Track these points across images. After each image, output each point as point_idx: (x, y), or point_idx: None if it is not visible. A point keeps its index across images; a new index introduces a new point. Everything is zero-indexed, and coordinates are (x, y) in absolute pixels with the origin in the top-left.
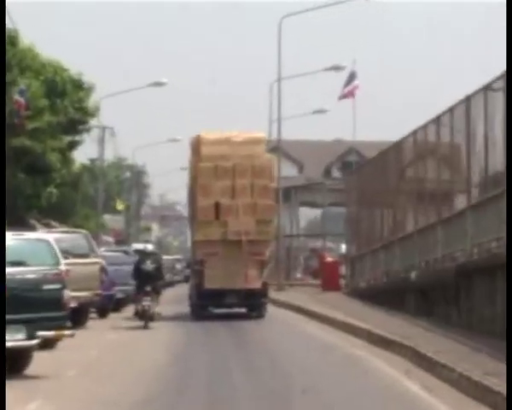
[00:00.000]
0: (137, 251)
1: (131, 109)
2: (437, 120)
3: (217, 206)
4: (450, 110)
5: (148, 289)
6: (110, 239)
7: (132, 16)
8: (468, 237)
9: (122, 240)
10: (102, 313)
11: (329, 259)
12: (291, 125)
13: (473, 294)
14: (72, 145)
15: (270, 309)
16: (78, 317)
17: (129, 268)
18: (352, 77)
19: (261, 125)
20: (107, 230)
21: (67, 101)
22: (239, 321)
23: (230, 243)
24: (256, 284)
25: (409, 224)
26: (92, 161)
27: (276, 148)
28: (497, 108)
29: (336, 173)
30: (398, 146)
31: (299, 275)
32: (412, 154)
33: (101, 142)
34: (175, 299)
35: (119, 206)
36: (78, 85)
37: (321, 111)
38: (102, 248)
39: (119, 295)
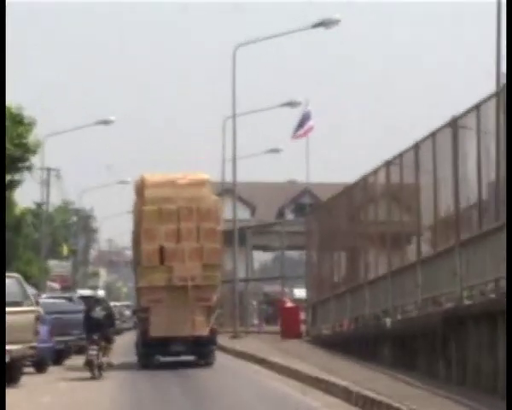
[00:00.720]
0: (85, 298)
1: (77, 148)
2: (388, 163)
3: (161, 250)
4: (400, 155)
5: (96, 337)
6: (56, 286)
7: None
8: (458, 278)
9: (68, 286)
10: (40, 368)
11: (289, 304)
12: (243, 166)
13: (465, 344)
14: (12, 185)
15: (226, 360)
16: (9, 373)
17: (72, 316)
18: (306, 117)
19: (214, 164)
20: (52, 276)
21: (6, 137)
22: (190, 370)
23: (176, 289)
24: (203, 331)
25: (380, 265)
26: (38, 205)
27: (228, 190)
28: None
29: (289, 216)
30: (362, 184)
31: (255, 321)
32: (372, 195)
33: (47, 184)
34: (124, 347)
35: (65, 251)
36: (18, 121)
37: (275, 150)
38: (44, 295)
39: (60, 347)
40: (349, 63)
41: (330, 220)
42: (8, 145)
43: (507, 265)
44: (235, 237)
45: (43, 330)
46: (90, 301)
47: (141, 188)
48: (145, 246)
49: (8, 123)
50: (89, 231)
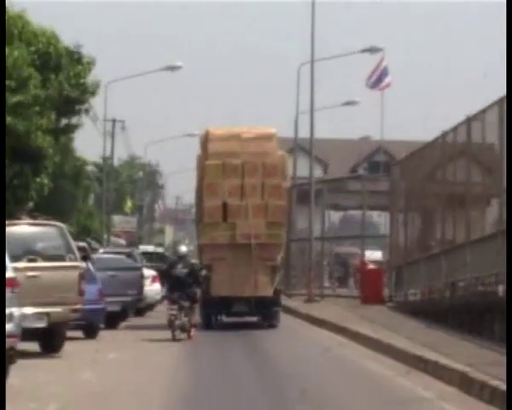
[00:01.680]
0: (163, 256)
1: (140, 98)
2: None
3: (224, 207)
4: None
5: (176, 296)
6: (122, 241)
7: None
8: None
9: (134, 242)
10: (90, 333)
11: (371, 266)
12: (316, 120)
13: None
14: (69, 129)
15: (303, 327)
16: (49, 340)
17: (129, 274)
18: (384, 72)
19: (287, 118)
20: (117, 231)
21: (62, 76)
22: (259, 340)
23: (239, 247)
24: (267, 292)
25: (486, 223)
26: (104, 159)
27: (301, 146)
28: None
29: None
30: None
31: (326, 284)
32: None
33: (111, 136)
34: None
35: (128, 206)
36: (76, 59)
37: (351, 103)
38: (101, 250)
39: (113, 308)
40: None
41: (417, 179)
42: (64, 84)
43: None
44: (312, 195)
45: (93, 289)
46: (173, 258)
47: (204, 142)
48: (207, 202)
49: (64, 61)
50: (155, 186)
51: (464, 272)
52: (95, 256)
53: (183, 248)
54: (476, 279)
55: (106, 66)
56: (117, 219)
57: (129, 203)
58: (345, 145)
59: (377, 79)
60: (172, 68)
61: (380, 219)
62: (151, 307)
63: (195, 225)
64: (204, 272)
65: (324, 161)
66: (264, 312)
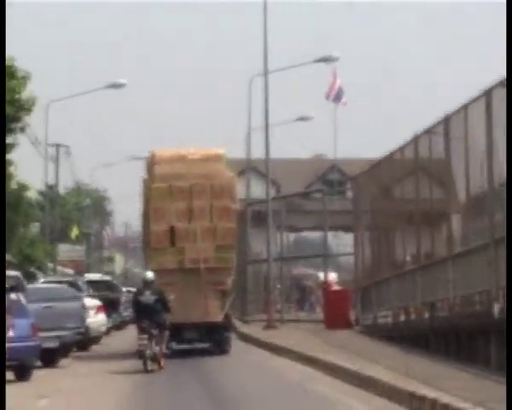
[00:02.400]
0: (111, 284)
1: (84, 119)
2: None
3: (172, 231)
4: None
5: (145, 324)
6: (69, 270)
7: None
8: None
9: (83, 271)
10: (22, 374)
11: (336, 287)
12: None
13: None
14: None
15: (266, 360)
16: None
17: (71, 305)
18: (340, 92)
19: (240, 136)
20: (63, 260)
21: None
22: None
23: (188, 272)
24: (217, 317)
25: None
26: (48, 186)
27: (252, 167)
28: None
29: (317, 194)
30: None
31: (278, 306)
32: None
33: (56, 162)
34: None
35: (73, 234)
36: (10, 73)
37: (305, 118)
38: (42, 279)
39: (50, 344)
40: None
41: (379, 195)
42: None
43: None
44: (270, 217)
45: (24, 323)
46: (140, 285)
47: (150, 164)
48: (154, 226)
49: None
50: (103, 213)
51: (446, 289)
52: (30, 286)
53: (150, 274)
54: (462, 298)
55: (45, 85)
56: (63, 247)
57: (75, 231)
58: (297, 164)
59: (336, 96)
60: (116, 86)
61: (335, 239)
62: (96, 340)
63: (143, 251)
64: (172, 297)
65: (277, 182)
66: (215, 338)
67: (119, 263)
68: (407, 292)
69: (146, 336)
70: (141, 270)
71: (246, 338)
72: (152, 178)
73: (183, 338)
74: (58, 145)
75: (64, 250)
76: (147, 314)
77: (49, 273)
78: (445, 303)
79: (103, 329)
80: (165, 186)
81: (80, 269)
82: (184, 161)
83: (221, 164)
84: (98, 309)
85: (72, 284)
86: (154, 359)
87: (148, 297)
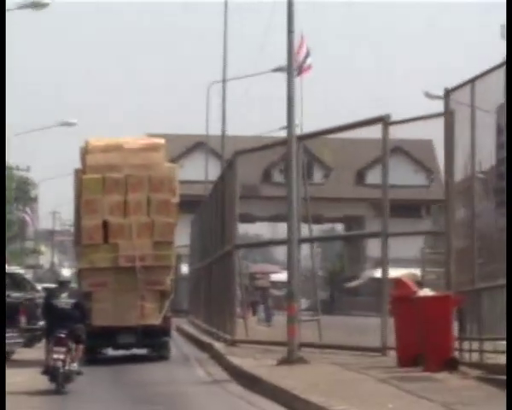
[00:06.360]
0: (21, 280)
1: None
2: None
3: (105, 226)
4: None
5: (62, 335)
6: None
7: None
8: None
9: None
10: None
11: (421, 293)
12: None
13: None
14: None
15: None
16: None
17: None
18: (306, 54)
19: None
20: None
21: None
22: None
23: (122, 271)
24: (155, 320)
25: None
26: None
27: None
28: None
29: (279, 177)
30: None
31: (238, 309)
32: None
33: None
34: None
35: None
36: None
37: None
38: None
39: None
40: None
41: None
42: None
43: None
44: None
45: None
46: (54, 286)
47: (83, 153)
48: (86, 221)
49: None
50: (26, 199)
51: None
52: None
53: (65, 273)
54: None
55: None
56: None
57: None
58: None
59: (301, 62)
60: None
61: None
62: None
63: (74, 247)
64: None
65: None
66: (153, 342)
67: (47, 257)
68: None
69: (64, 349)
70: (70, 265)
71: (253, 386)
72: (84, 169)
73: (117, 344)
74: None
75: None
76: (63, 322)
77: None
78: None
79: None
80: (98, 177)
81: None
82: (120, 151)
83: (160, 154)
84: None
85: None
86: (69, 378)
87: (66, 301)
